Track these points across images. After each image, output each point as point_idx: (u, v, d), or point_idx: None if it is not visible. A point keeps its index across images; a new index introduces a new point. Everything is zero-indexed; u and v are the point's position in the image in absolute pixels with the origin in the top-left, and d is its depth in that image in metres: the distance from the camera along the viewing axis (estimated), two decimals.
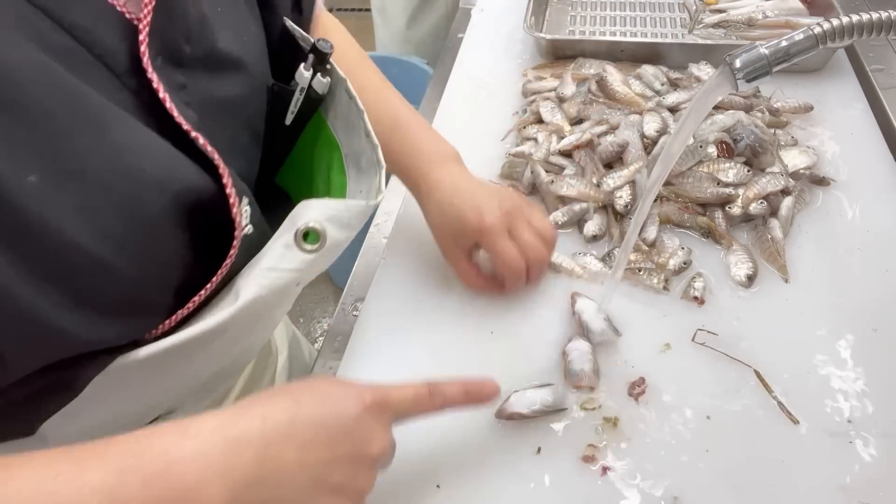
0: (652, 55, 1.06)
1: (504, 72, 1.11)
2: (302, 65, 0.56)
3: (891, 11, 0.47)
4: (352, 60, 0.73)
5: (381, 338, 0.72)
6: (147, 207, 0.44)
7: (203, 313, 0.50)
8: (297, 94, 0.56)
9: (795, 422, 0.62)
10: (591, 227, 0.80)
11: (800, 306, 0.72)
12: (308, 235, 0.49)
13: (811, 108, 0.95)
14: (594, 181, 0.84)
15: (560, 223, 0.82)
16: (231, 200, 0.48)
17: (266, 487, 0.42)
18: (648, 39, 1.11)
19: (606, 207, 0.83)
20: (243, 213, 0.48)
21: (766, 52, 0.48)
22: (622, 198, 0.81)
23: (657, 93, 0.98)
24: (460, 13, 1.29)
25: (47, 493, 0.38)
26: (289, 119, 0.58)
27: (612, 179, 0.83)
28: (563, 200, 0.84)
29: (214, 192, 0.48)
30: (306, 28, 0.59)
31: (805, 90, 0.99)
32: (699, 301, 0.72)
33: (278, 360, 0.82)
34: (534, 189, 0.87)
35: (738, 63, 0.48)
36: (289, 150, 0.62)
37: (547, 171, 0.87)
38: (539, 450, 0.61)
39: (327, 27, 0.75)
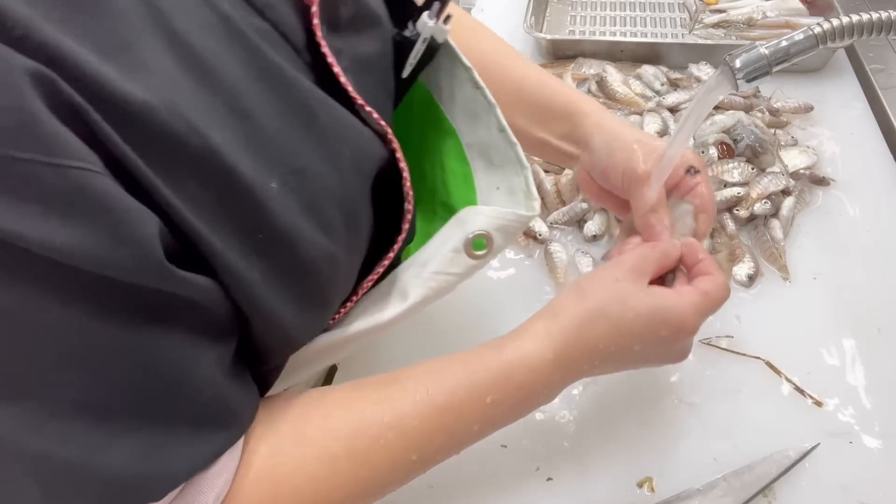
0: (652, 55, 1.06)
1: None
2: (425, 13, 0.52)
3: (891, 11, 0.47)
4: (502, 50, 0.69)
5: (379, 339, 0.72)
6: (349, 190, 0.44)
7: (362, 308, 0.51)
8: (418, 44, 0.53)
9: (819, 404, 0.63)
10: (592, 227, 0.80)
11: (801, 306, 0.72)
12: (474, 241, 0.51)
13: (811, 108, 0.94)
14: None
15: (560, 223, 0.82)
16: (405, 175, 0.48)
17: (606, 319, 0.51)
18: (648, 39, 1.11)
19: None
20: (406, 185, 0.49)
21: (766, 52, 0.48)
22: None
23: (657, 93, 0.98)
24: None
25: (457, 387, 0.49)
26: (406, 71, 0.54)
27: None
28: (563, 200, 0.84)
29: (390, 163, 0.48)
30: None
31: (805, 90, 0.98)
32: None
33: None
34: None
35: (738, 63, 0.48)
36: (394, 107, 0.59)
37: (546, 171, 0.87)
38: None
39: (473, 27, 0.71)
